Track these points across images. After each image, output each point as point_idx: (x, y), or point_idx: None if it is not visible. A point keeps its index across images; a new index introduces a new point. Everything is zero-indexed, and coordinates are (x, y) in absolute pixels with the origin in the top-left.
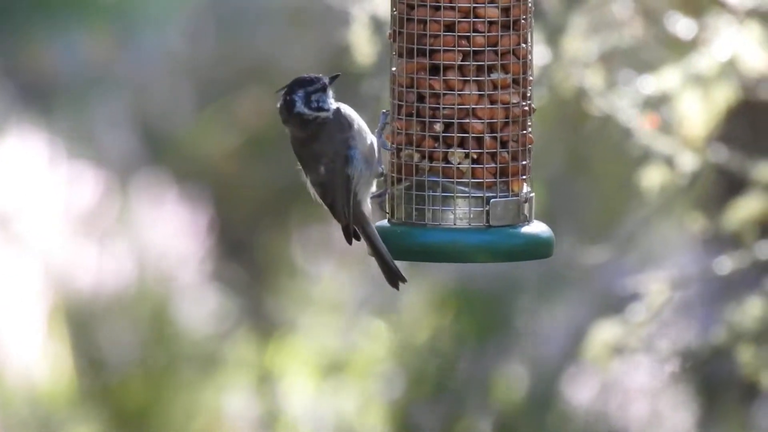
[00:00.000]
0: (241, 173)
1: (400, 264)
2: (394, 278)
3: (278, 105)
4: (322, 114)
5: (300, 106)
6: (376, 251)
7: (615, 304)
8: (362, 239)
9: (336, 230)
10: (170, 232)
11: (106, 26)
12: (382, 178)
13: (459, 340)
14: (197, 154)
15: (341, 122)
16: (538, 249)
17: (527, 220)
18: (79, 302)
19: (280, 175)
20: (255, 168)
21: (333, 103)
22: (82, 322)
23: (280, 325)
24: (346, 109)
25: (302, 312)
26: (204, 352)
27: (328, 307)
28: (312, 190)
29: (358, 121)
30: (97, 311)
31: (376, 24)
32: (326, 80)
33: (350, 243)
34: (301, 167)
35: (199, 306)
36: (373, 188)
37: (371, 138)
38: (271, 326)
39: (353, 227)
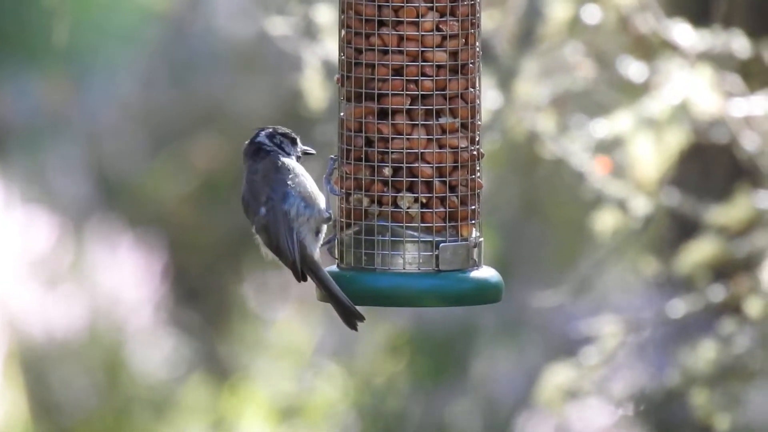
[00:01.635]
0: (196, 219)
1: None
2: (351, 319)
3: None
4: (278, 151)
5: (263, 137)
6: (330, 294)
7: (569, 347)
8: (315, 284)
9: (290, 275)
10: (124, 278)
11: (59, 71)
12: (332, 224)
13: (414, 383)
14: (151, 199)
15: (277, 165)
16: (487, 294)
17: (476, 265)
18: (33, 347)
19: (234, 221)
20: (209, 213)
21: (291, 155)
22: (37, 367)
23: (235, 369)
24: (288, 161)
25: (257, 357)
26: (159, 397)
27: (283, 351)
28: (261, 244)
29: (302, 173)
30: (52, 356)
31: (329, 69)
32: (299, 142)
33: (299, 281)
34: (249, 221)
35: (154, 351)
36: (321, 234)
37: (312, 188)
38: (226, 371)
39: (301, 268)
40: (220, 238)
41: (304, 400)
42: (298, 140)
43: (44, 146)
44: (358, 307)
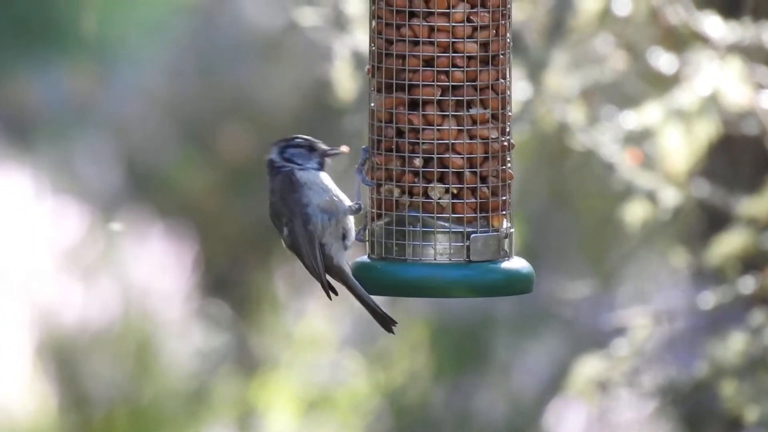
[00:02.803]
0: (224, 209)
1: (383, 300)
2: (386, 323)
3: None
4: (290, 166)
5: (274, 155)
6: (362, 301)
7: (598, 339)
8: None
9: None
10: (154, 268)
11: (87, 62)
12: (362, 214)
13: (442, 375)
14: (180, 189)
15: (291, 182)
16: (518, 284)
17: (507, 256)
18: (64, 338)
19: (263, 211)
20: (238, 204)
21: (309, 166)
22: (67, 358)
23: (265, 361)
24: (302, 174)
25: (286, 348)
26: (188, 388)
27: (311, 343)
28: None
29: (316, 183)
30: (82, 347)
31: (358, 59)
32: (319, 145)
33: (330, 298)
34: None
35: (184, 342)
36: (349, 236)
37: (331, 193)
38: (255, 362)
39: (328, 281)
40: (249, 228)
41: (332, 392)
42: (318, 144)
43: (73, 137)
44: (389, 298)
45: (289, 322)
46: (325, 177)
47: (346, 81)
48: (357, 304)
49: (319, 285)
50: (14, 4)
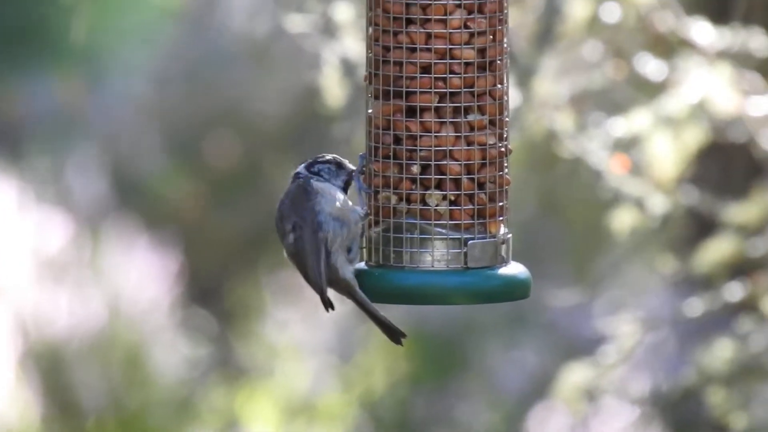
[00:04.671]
0: (211, 219)
1: (349, 310)
2: (395, 336)
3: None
4: (312, 177)
5: (302, 168)
6: (370, 315)
7: (584, 346)
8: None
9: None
10: (141, 278)
11: (75, 71)
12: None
13: (423, 383)
14: (167, 199)
15: (306, 190)
16: (516, 290)
17: (505, 262)
18: (50, 347)
19: (250, 220)
20: (224, 213)
21: (335, 183)
22: (53, 367)
23: (251, 370)
24: (318, 184)
25: (272, 357)
26: (175, 397)
27: (294, 352)
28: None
29: (329, 191)
30: (68, 356)
31: (347, 66)
32: (347, 165)
33: (327, 310)
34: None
35: (170, 351)
36: (355, 249)
37: (341, 201)
38: (240, 371)
39: (327, 296)
40: (236, 237)
41: (314, 401)
42: (346, 164)
43: (60, 146)
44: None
45: (273, 332)
46: (334, 188)
47: (334, 88)
48: (339, 313)
49: (306, 296)
50: (2, 13)
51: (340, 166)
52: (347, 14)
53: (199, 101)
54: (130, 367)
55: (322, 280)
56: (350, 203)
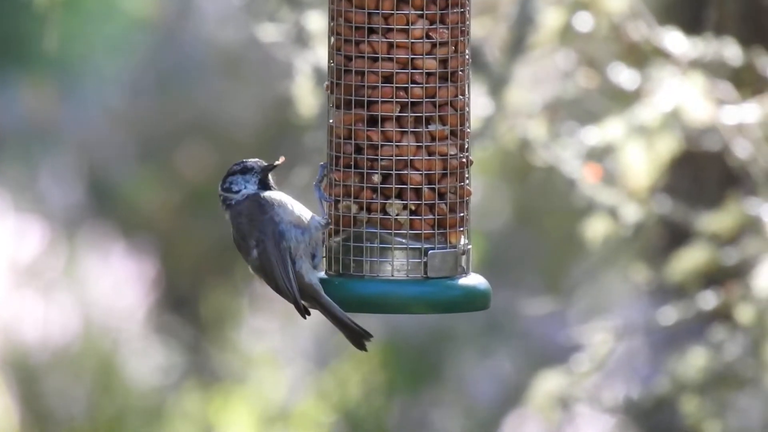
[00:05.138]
0: (186, 226)
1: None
2: (359, 339)
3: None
4: (231, 195)
5: (221, 191)
6: (335, 319)
7: (557, 354)
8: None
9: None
10: (116, 285)
11: (49, 79)
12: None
13: (397, 391)
14: (142, 207)
15: (260, 204)
16: (475, 301)
17: (465, 272)
18: (25, 354)
19: (224, 229)
20: (199, 221)
21: (249, 188)
22: (28, 374)
23: (225, 377)
24: (270, 194)
25: (247, 365)
26: (150, 405)
27: (270, 360)
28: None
29: (284, 200)
30: (43, 363)
31: (319, 76)
32: (254, 165)
33: (304, 317)
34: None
35: (145, 358)
36: (318, 254)
37: (299, 209)
38: (216, 379)
39: (302, 302)
40: (210, 245)
41: (293, 408)
42: (254, 163)
43: (35, 154)
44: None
45: (248, 339)
46: (287, 197)
47: (307, 97)
48: (315, 321)
49: (281, 303)
50: None
51: (244, 170)
52: (319, 23)
53: (171, 110)
54: (105, 373)
55: (293, 288)
56: (306, 211)
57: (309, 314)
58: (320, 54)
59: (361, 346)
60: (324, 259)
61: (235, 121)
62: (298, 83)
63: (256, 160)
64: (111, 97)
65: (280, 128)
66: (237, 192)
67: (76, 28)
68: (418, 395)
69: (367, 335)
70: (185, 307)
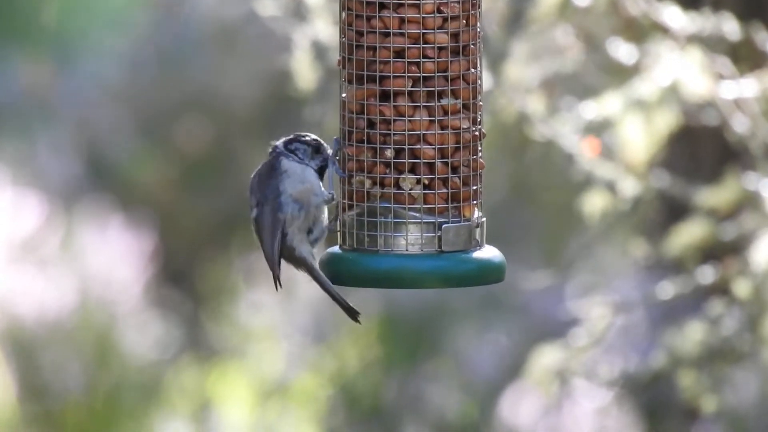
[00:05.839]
0: (184, 201)
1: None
2: (351, 313)
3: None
4: (287, 155)
5: (280, 142)
6: (327, 292)
7: (557, 328)
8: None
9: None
10: (113, 259)
11: (47, 54)
12: (334, 204)
13: (395, 366)
14: (140, 181)
15: (274, 167)
16: (490, 274)
17: (479, 245)
18: (22, 328)
19: (222, 203)
20: (197, 195)
21: (307, 163)
22: (25, 349)
23: (223, 352)
24: (288, 162)
25: (244, 339)
26: (147, 379)
27: (267, 334)
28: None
29: (296, 172)
30: (40, 337)
31: (318, 50)
32: (326, 150)
33: (276, 289)
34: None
35: (142, 332)
36: (316, 229)
37: (305, 180)
38: (213, 353)
39: (278, 273)
40: (207, 220)
41: (290, 383)
42: (324, 148)
43: (33, 128)
44: (351, 289)
45: (246, 314)
46: (310, 173)
47: (306, 71)
48: (312, 295)
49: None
50: None
51: (317, 150)
52: None
53: (170, 84)
54: (102, 347)
55: (275, 258)
56: (321, 187)
57: (281, 287)
58: (319, 28)
59: (354, 319)
60: (338, 233)
61: (234, 95)
62: (297, 57)
63: (331, 155)
64: (109, 71)
65: (279, 103)
66: (299, 159)
67: (75, 2)
68: (416, 369)
69: (355, 313)
70: (183, 281)
